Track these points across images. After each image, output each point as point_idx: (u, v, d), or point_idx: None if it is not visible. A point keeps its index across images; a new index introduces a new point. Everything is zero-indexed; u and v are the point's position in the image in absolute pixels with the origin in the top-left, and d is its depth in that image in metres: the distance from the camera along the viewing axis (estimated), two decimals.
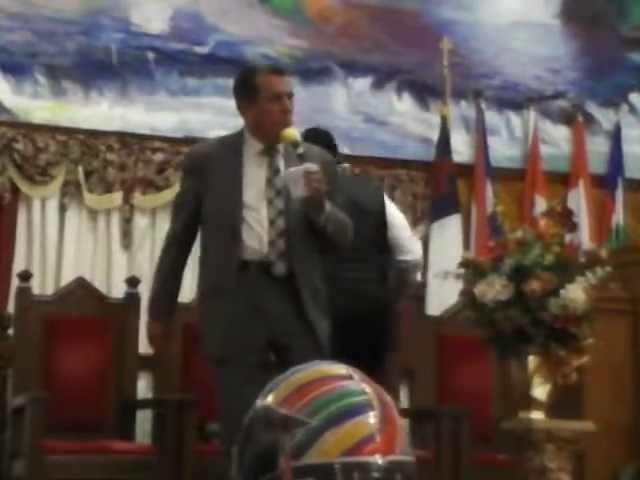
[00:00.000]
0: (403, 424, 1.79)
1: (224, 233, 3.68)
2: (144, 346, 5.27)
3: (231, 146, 3.77)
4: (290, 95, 3.75)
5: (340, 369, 1.83)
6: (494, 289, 3.55)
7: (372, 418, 1.73)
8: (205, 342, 3.77)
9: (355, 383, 1.78)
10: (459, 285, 4.26)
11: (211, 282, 3.76)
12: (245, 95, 3.76)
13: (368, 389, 1.77)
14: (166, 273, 3.89)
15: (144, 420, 5.11)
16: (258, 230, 3.66)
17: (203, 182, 3.72)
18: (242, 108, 3.79)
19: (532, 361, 3.60)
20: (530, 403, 3.61)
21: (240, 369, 3.59)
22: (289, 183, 3.58)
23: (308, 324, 3.66)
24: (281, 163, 3.72)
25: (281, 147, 3.75)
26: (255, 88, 3.72)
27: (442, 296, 5.78)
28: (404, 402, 5.44)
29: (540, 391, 3.59)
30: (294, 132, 3.68)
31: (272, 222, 3.66)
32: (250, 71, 3.85)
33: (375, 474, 1.70)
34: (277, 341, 3.67)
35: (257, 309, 3.64)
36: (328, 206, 3.63)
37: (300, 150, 3.61)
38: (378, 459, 1.70)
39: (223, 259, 3.69)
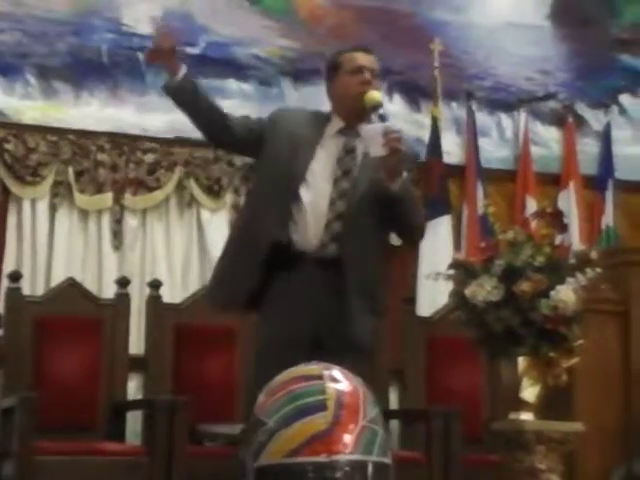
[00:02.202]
0: (368, 424, 1.76)
1: (274, 202, 3.57)
2: (134, 347, 5.29)
3: (316, 121, 3.69)
4: (373, 70, 3.66)
5: (314, 370, 1.83)
6: (485, 290, 3.56)
7: (321, 419, 1.73)
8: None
9: (318, 384, 1.78)
10: (450, 286, 4.26)
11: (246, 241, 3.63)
12: (329, 74, 3.74)
13: (330, 390, 1.77)
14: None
15: (135, 421, 5.10)
16: (310, 211, 3.54)
17: (274, 134, 3.64)
18: (327, 88, 3.75)
19: (522, 362, 3.60)
20: (520, 404, 3.61)
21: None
22: (367, 140, 3.48)
23: (347, 317, 3.53)
24: (359, 145, 3.61)
25: (362, 130, 3.62)
26: (337, 64, 3.70)
27: (433, 297, 5.79)
28: (395, 403, 5.44)
29: (530, 392, 3.60)
30: (378, 94, 3.60)
31: (332, 202, 3.56)
32: (336, 52, 3.80)
33: (311, 474, 1.69)
34: (312, 335, 3.53)
35: (296, 297, 3.53)
36: (404, 175, 3.51)
37: (381, 111, 3.55)
38: (320, 459, 1.69)
39: (261, 233, 3.56)
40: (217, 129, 3.68)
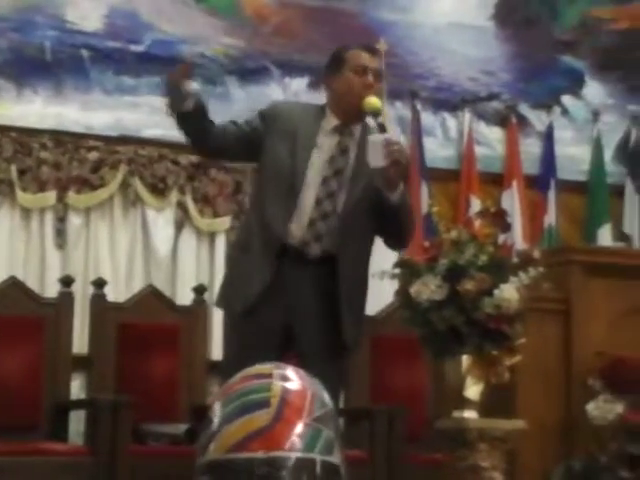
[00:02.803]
0: (311, 423, 1.77)
1: (280, 203, 3.55)
2: (78, 346, 5.25)
3: (312, 116, 3.64)
4: (377, 72, 3.62)
5: (265, 369, 1.83)
6: (429, 289, 3.57)
7: (263, 415, 1.73)
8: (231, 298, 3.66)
9: (266, 382, 1.79)
10: (395, 285, 4.28)
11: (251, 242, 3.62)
12: (331, 67, 3.67)
13: (276, 387, 1.77)
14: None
15: (78, 421, 5.07)
16: (303, 209, 3.54)
17: (271, 135, 3.60)
18: (327, 81, 3.70)
19: (466, 360, 3.62)
20: (464, 402, 3.63)
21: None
22: (368, 151, 3.45)
23: (334, 317, 3.55)
24: (352, 144, 3.60)
25: (357, 130, 3.63)
26: (342, 60, 3.63)
27: (378, 296, 5.80)
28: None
29: (474, 390, 3.62)
30: (377, 100, 3.55)
31: (318, 202, 3.55)
32: (342, 47, 3.73)
33: (248, 470, 1.70)
34: (293, 329, 3.56)
35: (282, 292, 3.53)
36: (402, 186, 3.51)
37: (381, 119, 3.51)
38: (258, 455, 1.70)
39: (266, 224, 3.56)
40: (217, 149, 3.69)
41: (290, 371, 1.83)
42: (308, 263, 3.56)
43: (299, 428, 1.72)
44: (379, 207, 3.54)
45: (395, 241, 3.75)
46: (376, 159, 3.42)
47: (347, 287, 3.59)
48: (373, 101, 3.54)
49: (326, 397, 1.83)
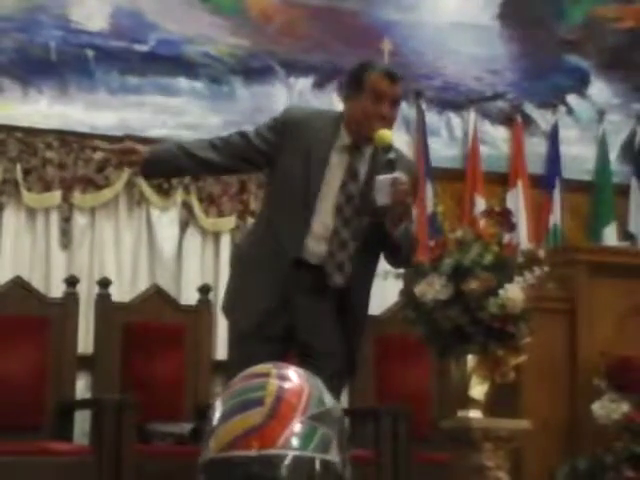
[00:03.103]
0: (306, 421, 1.77)
1: (293, 219, 3.56)
2: (83, 346, 5.25)
3: (327, 130, 3.61)
4: (395, 101, 3.60)
5: (264, 368, 1.84)
6: (434, 289, 3.57)
7: (257, 414, 1.74)
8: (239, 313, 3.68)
9: (263, 380, 1.79)
10: (399, 285, 4.28)
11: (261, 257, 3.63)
12: (351, 85, 3.64)
13: (271, 386, 1.78)
14: (183, 148, 3.62)
15: (83, 421, 5.07)
16: (321, 233, 3.57)
17: (285, 146, 3.59)
18: (346, 97, 3.69)
19: (471, 360, 3.62)
20: (468, 402, 3.63)
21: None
22: (376, 188, 3.45)
23: (348, 342, 3.63)
24: (362, 168, 3.60)
25: (367, 151, 3.62)
26: (362, 82, 3.58)
27: (382, 296, 5.80)
28: (344, 402, 5.45)
29: (478, 390, 3.62)
30: (389, 135, 3.52)
31: (336, 232, 3.56)
32: (365, 64, 3.69)
33: (241, 468, 1.70)
34: (306, 342, 3.60)
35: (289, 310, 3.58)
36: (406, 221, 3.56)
37: (392, 155, 3.48)
38: (252, 453, 1.71)
39: (279, 242, 3.59)
40: (217, 171, 3.83)
41: (289, 370, 1.83)
42: (325, 289, 3.57)
43: (293, 426, 1.72)
44: (383, 237, 3.54)
45: (395, 263, 3.75)
46: (382, 197, 3.43)
47: (355, 315, 3.65)
48: (385, 136, 3.51)
49: (327, 396, 1.82)
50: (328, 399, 1.82)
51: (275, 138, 3.61)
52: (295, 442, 1.71)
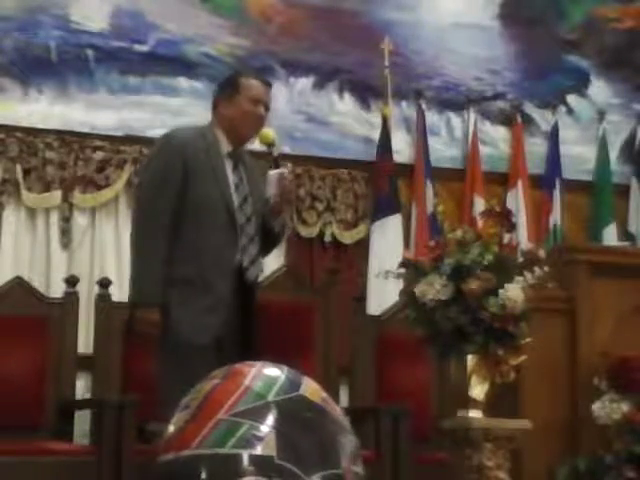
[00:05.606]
0: (228, 418, 1.77)
1: (220, 230, 3.72)
2: (83, 346, 5.25)
3: (208, 141, 3.80)
4: (267, 105, 3.86)
5: (228, 367, 1.87)
6: (434, 289, 3.57)
7: (182, 417, 1.78)
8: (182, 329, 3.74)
9: (203, 383, 1.83)
10: (400, 285, 4.28)
11: (192, 271, 3.73)
12: (225, 90, 3.85)
13: (204, 388, 1.81)
14: (161, 258, 3.70)
15: (83, 421, 5.07)
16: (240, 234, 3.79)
17: (185, 167, 3.73)
18: (219, 104, 3.85)
19: (471, 360, 3.62)
20: (468, 402, 3.63)
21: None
22: (268, 182, 3.82)
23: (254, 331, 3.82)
24: (243, 170, 3.85)
25: (245, 154, 3.88)
26: (237, 86, 3.82)
27: (383, 296, 5.81)
28: (344, 401, 5.45)
29: (479, 390, 3.62)
30: (272, 133, 3.84)
31: (242, 228, 3.76)
32: (238, 71, 4.05)
33: (161, 472, 1.75)
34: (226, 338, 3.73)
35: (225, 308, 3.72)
36: (285, 214, 3.93)
37: (275, 152, 3.80)
38: (169, 456, 1.74)
39: (217, 256, 3.72)
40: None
41: (248, 367, 1.84)
42: (244, 285, 3.76)
43: (211, 425, 1.73)
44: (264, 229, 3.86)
45: (267, 249, 3.98)
46: (271, 189, 3.83)
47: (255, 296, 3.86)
48: (268, 133, 3.83)
49: (278, 390, 1.80)
50: (276, 392, 1.78)
51: (176, 161, 3.74)
52: (211, 441, 1.72)
